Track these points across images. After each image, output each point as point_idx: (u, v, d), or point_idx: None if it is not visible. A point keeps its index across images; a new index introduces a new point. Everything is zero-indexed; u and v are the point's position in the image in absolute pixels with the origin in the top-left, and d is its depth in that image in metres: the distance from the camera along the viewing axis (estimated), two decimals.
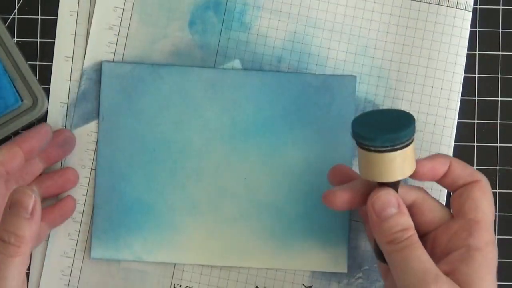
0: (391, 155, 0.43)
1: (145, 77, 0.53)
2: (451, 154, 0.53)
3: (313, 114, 0.53)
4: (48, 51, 0.54)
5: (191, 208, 0.53)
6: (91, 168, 0.53)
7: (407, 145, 0.43)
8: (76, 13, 0.54)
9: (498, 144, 0.54)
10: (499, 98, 0.54)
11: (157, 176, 0.53)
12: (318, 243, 0.52)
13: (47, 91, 0.53)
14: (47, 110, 0.53)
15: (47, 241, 0.53)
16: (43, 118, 0.53)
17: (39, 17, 0.54)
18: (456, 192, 0.46)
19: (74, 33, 0.54)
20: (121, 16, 0.53)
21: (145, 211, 0.53)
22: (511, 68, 0.54)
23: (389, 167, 0.43)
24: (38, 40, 0.54)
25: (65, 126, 0.53)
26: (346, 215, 0.52)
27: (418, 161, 0.45)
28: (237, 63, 0.53)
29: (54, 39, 0.54)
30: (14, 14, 0.54)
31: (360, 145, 0.44)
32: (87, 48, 0.53)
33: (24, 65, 0.52)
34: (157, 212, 0.53)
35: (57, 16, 0.54)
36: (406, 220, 0.43)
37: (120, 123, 0.53)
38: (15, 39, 0.54)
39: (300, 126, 0.53)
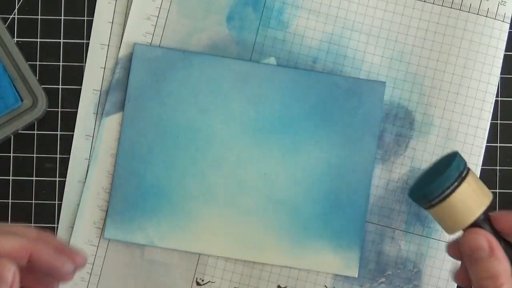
0: (453, 198, 0.40)
1: (176, 63, 0.53)
2: (480, 166, 0.53)
3: (339, 116, 0.53)
4: (48, 51, 0.54)
5: (208, 198, 0.52)
6: None
7: (463, 179, 0.40)
8: (115, 2, 0.53)
9: (498, 144, 0.54)
10: (499, 98, 0.54)
11: (178, 163, 0.52)
12: (331, 245, 0.52)
13: (47, 91, 0.53)
14: (46, 110, 0.53)
15: (72, 228, 0.53)
16: (43, 118, 0.53)
17: (39, 17, 0.54)
18: None
19: (111, 21, 0.53)
20: (159, 6, 0.53)
21: (162, 197, 0.52)
22: (511, 68, 0.54)
23: (459, 211, 0.39)
24: (38, 40, 0.54)
25: (97, 113, 0.53)
26: (362, 220, 0.52)
27: (495, 215, 0.41)
28: (272, 61, 0.53)
29: (54, 39, 0.54)
30: (14, 14, 0.54)
31: (424, 206, 0.41)
32: (124, 37, 0.53)
33: (24, 65, 0.52)
34: (174, 198, 0.52)
35: (56, 16, 0.54)
36: (497, 266, 0.38)
37: (146, 106, 0.53)
38: (15, 39, 0.54)
39: (324, 127, 0.53)
